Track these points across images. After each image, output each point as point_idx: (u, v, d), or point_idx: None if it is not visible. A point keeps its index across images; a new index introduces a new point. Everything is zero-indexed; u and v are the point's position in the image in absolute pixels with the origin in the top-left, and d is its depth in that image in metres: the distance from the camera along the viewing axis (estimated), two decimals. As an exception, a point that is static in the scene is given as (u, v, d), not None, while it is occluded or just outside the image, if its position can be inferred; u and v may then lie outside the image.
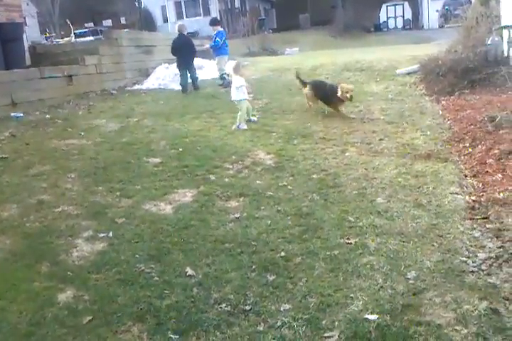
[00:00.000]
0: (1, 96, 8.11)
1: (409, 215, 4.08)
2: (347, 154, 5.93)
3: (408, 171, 5.16)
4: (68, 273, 3.44)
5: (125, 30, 12.71)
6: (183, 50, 11.20)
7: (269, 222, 4.17)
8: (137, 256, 3.66)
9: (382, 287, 3.05)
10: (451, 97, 8.36)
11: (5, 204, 4.61)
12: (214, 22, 12.34)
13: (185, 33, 11.79)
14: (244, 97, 7.62)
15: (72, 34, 14.07)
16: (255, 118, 7.81)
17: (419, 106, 8.12)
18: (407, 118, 7.44)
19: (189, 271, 3.40)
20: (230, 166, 5.70)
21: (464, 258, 3.32)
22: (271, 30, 29.14)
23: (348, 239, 3.74)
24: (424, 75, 9.89)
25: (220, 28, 12.10)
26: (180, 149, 6.33)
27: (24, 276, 3.42)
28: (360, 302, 2.90)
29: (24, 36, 10.69)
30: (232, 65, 7.83)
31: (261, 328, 2.75)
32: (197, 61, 12.31)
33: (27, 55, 10.74)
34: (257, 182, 5.17)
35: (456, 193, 4.49)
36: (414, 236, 3.69)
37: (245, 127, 7.40)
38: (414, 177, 4.97)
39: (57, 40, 13.95)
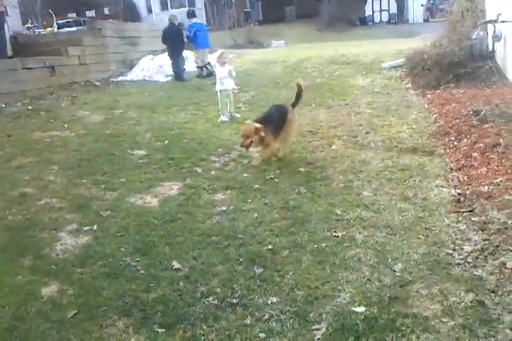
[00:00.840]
0: (-18, 87, 7.94)
1: (396, 208, 4.10)
2: (333, 147, 5.93)
3: (394, 164, 5.18)
4: (52, 266, 3.39)
5: (109, 20, 12.49)
6: (173, 39, 11.24)
7: (256, 214, 4.14)
8: (122, 249, 3.61)
9: (369, 279, 3.05)
10: (437, 91, 8.40)
11: (-14, 197, 4.51)
12: (189, 14, 12.32)
13: (176, 23, 11.74)
14: (221, 88, 7.45)
15: (55, 24, 13.79)
16: (237, 115, 7.64)
17: (405, 100, 8.14)
18: (393, 111, 7.46)
19: (175, 265, 3.37)
20: (217, 159, 5.67)
21: (450, 251, 3.33)
22: (257, 23, 28.94)
23: (335, 231, 3.74)
24: (409, 69, 9.92)
25: (194, 20, 12.04)
26: (166, 141, 6.27)
27: (7, 270, 3.36)
28: (348, 295, 2.89)
29: (6, 26, 10.44)
30: (216, 56, 7.77)
31: (248, 321, 2.74)
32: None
33: (8, 45, 10.51)
34: (244, 175, 5.15)
35: (442, 186, 4.51)
36: (400, 229, 3.70)
37: (225, 119, 7.34)
38: (401, 171, 4.98)
39: (40, 30, 13.66)
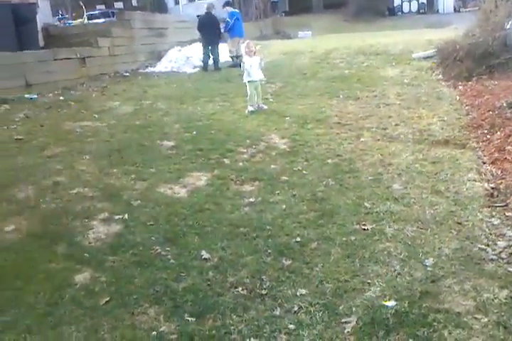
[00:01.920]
0: (16, 78, 8.12)
1: (427, 202, 4.03)
2: (362, 139, 5.86)
3: (425, 157, 5.09)
4: (85, 254, 3.46)
5: (138, 12, 12.58)
6: (210, 28, 11.32)
7: (284, 206, 4.14)
8: (153, 238, 3.66)
9: (399, 274, 3.02)
10: (469, 83, 8.21)
11: (21, 185, 4.62)
12: (226, 3, 12.29)
13: (213, 12, 11.81)
14: (249, 79, 7.40)
15: (85, 16, 13.97)
16: (264, 106, 7.57)
17: (435, 92, 7.98)
18: (423, 103, 7.32)
19: (205, 255, 3.40)
20: (244, 150, 5.67)
21: (483, 246, 3.27)
22: (283, 13, 28.67)
23: (364, 225, 3.71)
24: (440, 60, 9.70)
25: (231, 9, 12.05)
26: (194, 132, 6.30)
27: (41, 257, 3.44)
28: (378, 289, 2.87)
29: (37, 18, 10.62)
30: (243, 46, 7.72)
31: (277, 312, 2.75)
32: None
33: (40, 36, 10.70)
34: (272, 166, 5.14)
35: (475, 180, 4.42)
36: (432, 223, 3.65)
37: (252, 109, 7.32)
38: (432, 164, 4.90)
39: (70, 21, 13.86)
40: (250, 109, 7.33)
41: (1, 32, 8.93)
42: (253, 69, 7.30)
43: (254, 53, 7.40)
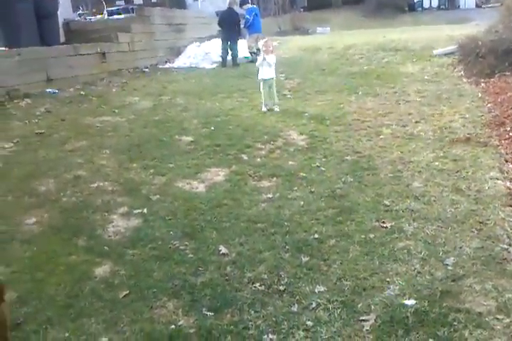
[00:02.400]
0: (38, 72, 8.22)
1: (448, 200, 3.98)
2: (381, 136, 5.80)
3: (446, 155, 5.02)
4: (105, 247, 3.50)
5: (157, 7, 12.62)
6: (231, 24, 11.38)
7: (302, 203, 4.13)
8: (171, 232, 3.69)
9: (419, 272, 2.99)
10: (491, 79, 8.06)
11: (42, 178, 4.69)
12: (242, 2, 12.31)
13: (235, 8, 11.85)
14: (262, 77, 7.29)
15: (105, 11, 14.08)
16: (277, 108, 7.27)
17: (457, 88, 7.86)
18: (444, 100, 7.22)
19: (223, 250, 3.41)
20: (262, 146, 5.66)
21: (505, 246, 3.21)
22: (302, 9, 28.48)
23: (383, 222, 3.68)
24: (462, 56, 9.53)
25: (249, 6, 12.08)
26: (212, 128, 6.32)
27: (62, 250, 3.49)
28: (397, 287, 2.85)
29: (58, 13, 10.72)
30: (261, 43, 7.65)
31: (295, 309, 2.74)
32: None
33: (61, 31, 10.81)
34: (290, 162, 5.13)
35: (497, 178, 4.34)
36: (452, 222, 3.60)
37: (265, 109, 7.21)
38: (453, 162, 4.83)
39: (90, 17, 13.97)
40: (263, 108, 7.25)
41: (24, 27, 9.05)
42: (266, 67, 7.20)
43: (272, 52, 7.30)
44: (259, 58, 7.37)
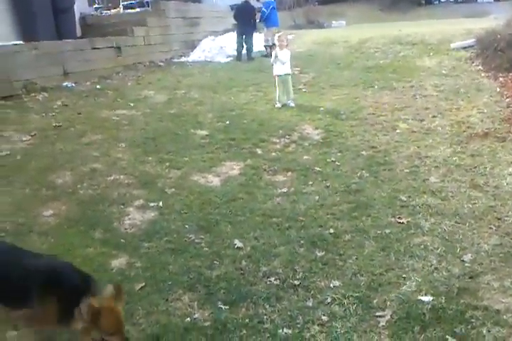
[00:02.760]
0: (54, 66, 8.28)
1: (465, 196, 3.93)
2: (398, 131, 5.75)
3: (463, 150, 4.96)
4: (121, 240, 3.52)
5: (172, 1, 12.60)
6: (246, 18, 11.36)
7: (317, 197, 4.11)
8: (187, 226, 3.70)
9: (436, 268, 2.96)
10: (510, 74, 7.91)
11: (59, 171, 4.73)
12: None
13: (251, 1, 11.84)
14: (276, 73, 7.21)
15: (121, 5, 14.12)
16: (292, 103, 7.21)
17: (475, 83, 7.74)
18: (462, 95, 7.12)
19: (238, 243, 3.42)
20: (277, 140, 5.65)
21: (524, 243, 3.17)
22: (317, 3, 28.22)
23: (399, 218, 3.65)
24: (480, 50, 9.38)
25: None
26: (227, 122, 6.31)
27: (79, 242, 3.52)
28: (414, 283, 2.82)
29: (75, 7, 10.77)
30: (276, 38, 7.55)
31: (310, 303, 2.73)
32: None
33: (77, 26, 10.87)
34: (305, 157, 5.11)
35: (516, 174, 4.28)
36: (470, 218, 3.56)
37: (278, 105, 7.14)
38: (470, 157, 4.77)
39: (106, 11, 14.01)
40: (277, 105, 7.18)
41: (41, 21, 9.12)
42: (281, 63, 7.11)
43: (286, 46, 7.20)
44: (274, 54, 7.28)
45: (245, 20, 11.51)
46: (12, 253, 2.36)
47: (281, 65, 7.13)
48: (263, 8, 11.75)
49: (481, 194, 3.95)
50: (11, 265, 2.23)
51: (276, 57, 7.09)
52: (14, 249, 2.43)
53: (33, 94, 7.51)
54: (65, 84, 8.28)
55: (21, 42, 8.21)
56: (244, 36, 11.57)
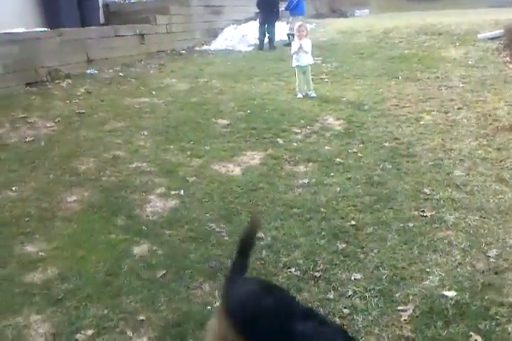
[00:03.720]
0: (78, 53, 8.31)
1: (491, 190, 3.86)
2: (422, 122, 5.66)
3: (489, 143, 4.86)
4: (143, 227, 3.56)
5: (195, -12, 12.52)
6: (269, 6, 11.32)
7: (339, 189, 4.08)
8: (207, 215, 3.71)
9: (460, 263, 2.92)
10: (540, 66, 7.70)
11: (82, 157, 4.79)
12: None
13: None
14: (296, 64, 7.11)
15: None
16: (313, 94, 7.10)
17: (502, 74, 7.55)
18: (488, 86, 6.95)
19: (258, 234, 3.40)
20: (298, 130, 5.60)
21: (552, 240, 3.10)
22: (340, -9, 27.82)
23: (423, 211, 3.60)
24: (508, 41, 9.11)
25: None
26: (249, 111, 6.28)
27: (102, 228, 3.57)
28: (437, 278, 2.79)
29: (98, -6, 10.78)
30: (295, 27, 7.40)
31: (331, 296, 2.72)
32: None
33: (101, 13, 10.87)
34: (326, 147, 5.06)
35: (544, 169, 4.17)
36: (496, 213, 3.49)
37: (300, 96, 7.06)
38: (496, 150, 4.67)
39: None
40: (298, 95, 7.10)
41: (65, 8, 9.13)
42: (301, 53, 7.02)
43: (306, 36, 7.08)
44: (293, 44, 7.19)
45: (268, 9, 11.42)
46: (279, 304, 1.82)
47: (305, 54, 7.03)
48: None
49: (507, 188, 3.88)
50: (275, 324, 1.76)
51: (299, 47, 6.98)
52: (280, 296, 1.92)
53: (57, 81, 7.57)
54: (88, 71, 8.32)
55: (46, 29, 8.26)
56: (266, 25, 11.47)
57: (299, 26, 7.18)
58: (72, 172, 4.48)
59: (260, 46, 11.61)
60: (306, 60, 7.09)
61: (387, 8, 21.82)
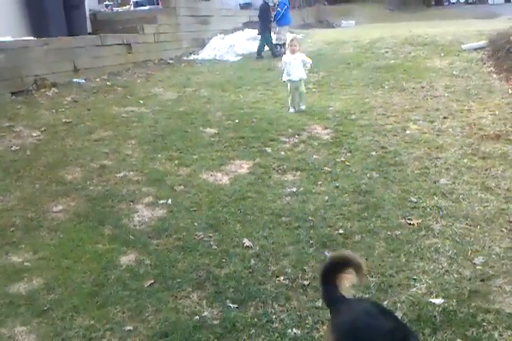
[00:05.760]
0: (65, 62, 8.29)
1: (476, 198, 3.90)
2: (408, 132, 5.71)
3: (475, 152, 4.92)
4: (130, 236, 3.53)
5: (182, -2, 12.61)
6: (265, 16, 11.75)
7: (327, 197, 4.09)
8: (196, 224, 3.70)
9: (447, 271, 2.93)
10: (523, 76, 7.84)
11: (69, 167, 4.75)
12: None
13: (268, 2, 12.09)
14: (288, 78, 6.81)
15: (131, 2, 14.13)
16: (303, 106, 6.90)
17: (486, 84, 7.67)
18: (473, 96, 7.06)
19: (246, 242, 3.40)
20: (286, 139, 5.63)
21: (537, 247, 3.13)
22: (326, 2, 28.17)
23: (409, 219, 3.62)
24: (492, 52, 9.29)
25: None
26: (236, 120, 6.30)
27: (88, 238, 3.53)
28: (424, 285, 2.80)
29: (85, 4, 10.77)
30: (287, 41, 7.23)
31: (320, 304, 2.70)
32: (251, 32, 12.65)
33: (88, 22, 10.88)
34: (314, 156, 5.09)
35: (528, 177, 4.23)
36: (481, 221, 3.52)
37: (292, 111, 6.79)
38: (482, 159, 4.73)
39: (117, 8, 14.02)
40: (290, 110, 6.82)
41: (52, 17, 9.11)
42: (293, 67, 6.72)
43: (298, 50, 6.82)
44: (285, 58, 6.91)
45: (263, 19, 11.84)
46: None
47: (297, 68, 6.74)
48: (278, 8, 11.84)
49: (492, 196, 3.92)
50: None
51: (288, 63, 6.74)
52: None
53: (44, 90, 7.52)
54: (75, 80, 8.29)
55: (32, 37, 8.23)
56: (265, 34, 11.85)
57: (291, 40, 7.01)
58: (58, 182, 4.44)
59: (258, 55, 11.87)
60: (299, 74, 6.76)
61: (373, 19, 22.16)
